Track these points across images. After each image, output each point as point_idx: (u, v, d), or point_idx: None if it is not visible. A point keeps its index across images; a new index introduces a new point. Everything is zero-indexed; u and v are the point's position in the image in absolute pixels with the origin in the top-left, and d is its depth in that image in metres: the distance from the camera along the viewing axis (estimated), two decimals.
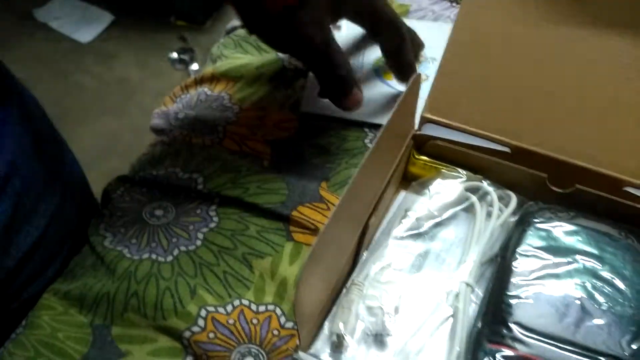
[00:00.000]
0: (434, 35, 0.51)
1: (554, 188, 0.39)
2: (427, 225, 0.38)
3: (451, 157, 0.42)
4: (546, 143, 0.39)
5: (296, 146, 0.47)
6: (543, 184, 0.39)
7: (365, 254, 0.38)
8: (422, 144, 0.42)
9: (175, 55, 1.70)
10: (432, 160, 0.42)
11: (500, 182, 0.40)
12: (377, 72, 0.50)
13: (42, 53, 1.73)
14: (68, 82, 1.65)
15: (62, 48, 1.74)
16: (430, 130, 0.42)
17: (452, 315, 0.33)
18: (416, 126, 0.43)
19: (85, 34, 1.78)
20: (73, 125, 1.44)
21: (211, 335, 0.37)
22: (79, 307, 0.39)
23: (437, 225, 0.39)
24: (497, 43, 0.41)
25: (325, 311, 0.35)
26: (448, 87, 0.42)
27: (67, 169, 0.51)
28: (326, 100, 0.45)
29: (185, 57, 1.71)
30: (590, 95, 0.39)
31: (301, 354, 0.30)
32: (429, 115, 0.42)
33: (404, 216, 0.38)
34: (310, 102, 0.50)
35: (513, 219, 0.39)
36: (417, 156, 0.43)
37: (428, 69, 0.51)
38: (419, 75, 0.38)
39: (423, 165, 0.42)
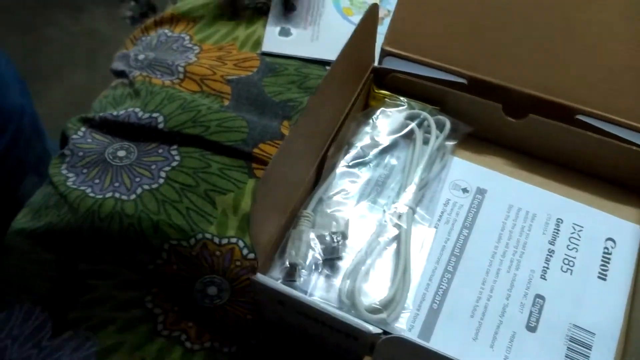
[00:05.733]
0: None
1: (508, 118, 0.40)
2: (371, 153, 0.39)
3: (410, 89, 0.42)
4: (501, 74, 0.40)
5: (257, 85, 0.47)
6: (498, 113, 0.40)
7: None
8: (382, 77, 0.43)
9: (129, 13, 1.62)
10: (391, 93, 0.43)
11: (457, 112, 0.41)
12: (338, 8, 0.50)
13: (8, 6, 1.67)
14: (36, 36, 1.60)
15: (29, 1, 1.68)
16: (390, 64, 0.42)
17: (397, 236, 0.35)
18: (377, 61, 0.43)
19: None
20: (44, 80, 1.41)
21: (174, 266, 0.38)
22: (44, 245, 0.40)
23: (381, 153, 0.40)
24: None
25: (284, 241, 0.36)
26: (407, 19, 0.41)
27: None
28: (287, 39, 0.45)
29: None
30: (542, 26, 0.39)
31: (259, 275, 0.31)
32: (388, 48, 0.42)
33: (350, 146, 0.39)
34: (272, 41, 0.50)
35: (450, 143, 0.40)
36: (377, 90, 0.43)
37: (390, 4, 0.51)
38: (376, 5, 0.38)
39: (383, 98, 0.43)
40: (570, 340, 0.33)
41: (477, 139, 0.41)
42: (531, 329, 0.33)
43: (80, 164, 0.43)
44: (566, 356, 0.32)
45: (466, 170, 0.40)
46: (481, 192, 0.39)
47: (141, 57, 0.50)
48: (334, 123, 0.39)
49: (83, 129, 0.46)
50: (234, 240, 0.40)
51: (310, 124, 0.35)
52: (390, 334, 0.29)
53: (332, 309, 0.30)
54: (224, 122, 0.44)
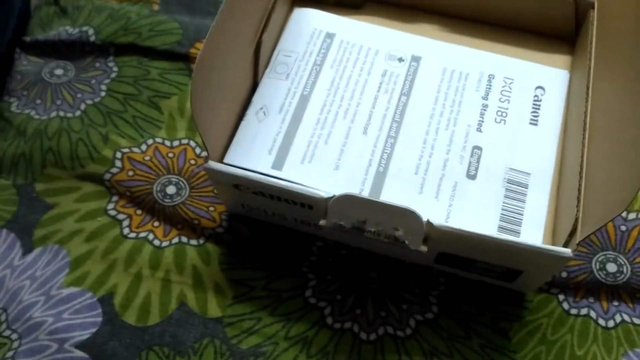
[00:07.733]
0: None
1: None
2: None
3: None
4: None
5: None
6: None
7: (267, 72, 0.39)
8: None
9: None
10: None
11: None
12: None
13: None
14: None
15: None
16: None
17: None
18: None
19: None
20: None
21: (130, 173, 0.39)
22: None
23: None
24: None
25: (231, 125, 0.37)
26: None
27: None
28: None
29: None
30: None
31: (211, 162, 0.32)
32: None
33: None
34: None
35: None
36: None
37: None
38: None
39: None
40: (508, 182, 0.36)
41: (408, 8, 0.42)
42: (471, 177, 0.36)
43: (20, 87, 0.43)
44: (505, 196, 0.35)
45: (400, 40, 0.41)
46: (416, 59, 0.40)
47: None
48: (262, 7, 0.39)
49: (18, 50, 0.45)
50: (185, 141, 0.41)
51: (236, 7, 0.34)
52: None
53: (284, 182, 0.32)
54: (155, 26, 0.44)
